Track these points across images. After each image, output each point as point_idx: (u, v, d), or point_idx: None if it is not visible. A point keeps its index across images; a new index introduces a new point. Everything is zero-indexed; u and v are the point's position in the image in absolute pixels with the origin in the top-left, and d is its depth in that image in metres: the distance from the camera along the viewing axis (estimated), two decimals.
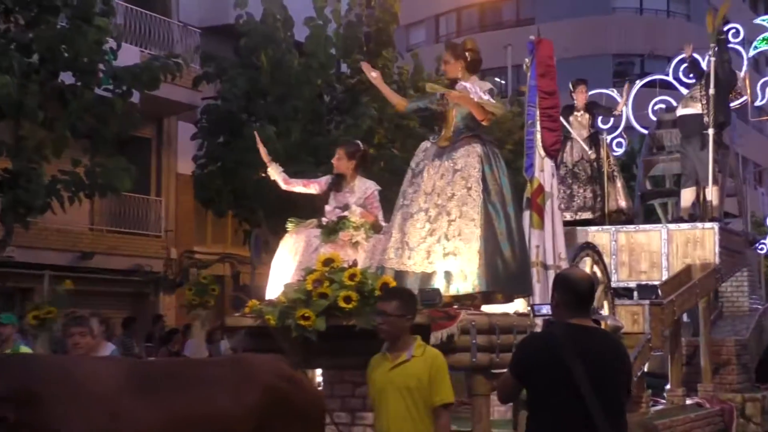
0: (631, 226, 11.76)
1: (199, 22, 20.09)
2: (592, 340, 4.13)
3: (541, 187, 7.34)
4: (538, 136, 7.36)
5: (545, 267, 7.32)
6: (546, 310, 7.41)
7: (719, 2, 13.43)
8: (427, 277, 6.87)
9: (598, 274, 8.66)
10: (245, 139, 13.92)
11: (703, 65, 12.36)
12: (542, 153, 7.36)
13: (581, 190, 11.69)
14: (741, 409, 11.25)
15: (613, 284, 11.49)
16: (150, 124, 18.87)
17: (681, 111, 12.25)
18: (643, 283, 10.56)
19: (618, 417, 4.11)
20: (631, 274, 11.37)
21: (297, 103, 15.55)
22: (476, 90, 6.97)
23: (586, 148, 11.83)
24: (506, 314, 7.03)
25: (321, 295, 6.54)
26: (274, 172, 8.01)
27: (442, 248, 6.86)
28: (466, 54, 7.12)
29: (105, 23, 11.70)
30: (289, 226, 7.59)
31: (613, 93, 14.84)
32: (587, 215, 11.63)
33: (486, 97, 7.00)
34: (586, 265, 8.87)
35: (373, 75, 7.36)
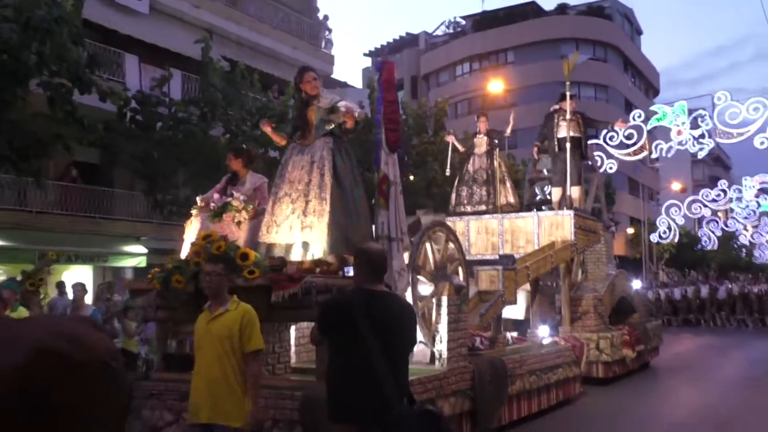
0: (513, 214, 13.19)
1: None
2: (380, 302, 4.19)
3: (385, 177, 7.68)
4: (383, 136, 7.78)
5: (389, 239, 7.67)
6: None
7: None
8: (289, 246, 7.29)
9: (452, 247, 8.83)
10: None
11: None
12: (387, 149, 7.74)
13: (479, 190, 13.62)
14: (597, 344, 12.82)
15: (498, 255, 12.52)
16: None
17: (559, 134, 13.97)
18: (504, 254, 11.74)
19: (401, 363, 4.25)
20: (513, 248, 12.68)
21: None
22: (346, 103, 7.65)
23: (484, 160, 13.78)
24: (347, 278, 7.20)
25: (196, 264, 6.85)
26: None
27: (300, 223, 7.26)
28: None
29: None
30: (193, 211, 8.04)
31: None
32: (482, 208, 13.44)
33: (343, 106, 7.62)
34: (441, 240, 8.95)
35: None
